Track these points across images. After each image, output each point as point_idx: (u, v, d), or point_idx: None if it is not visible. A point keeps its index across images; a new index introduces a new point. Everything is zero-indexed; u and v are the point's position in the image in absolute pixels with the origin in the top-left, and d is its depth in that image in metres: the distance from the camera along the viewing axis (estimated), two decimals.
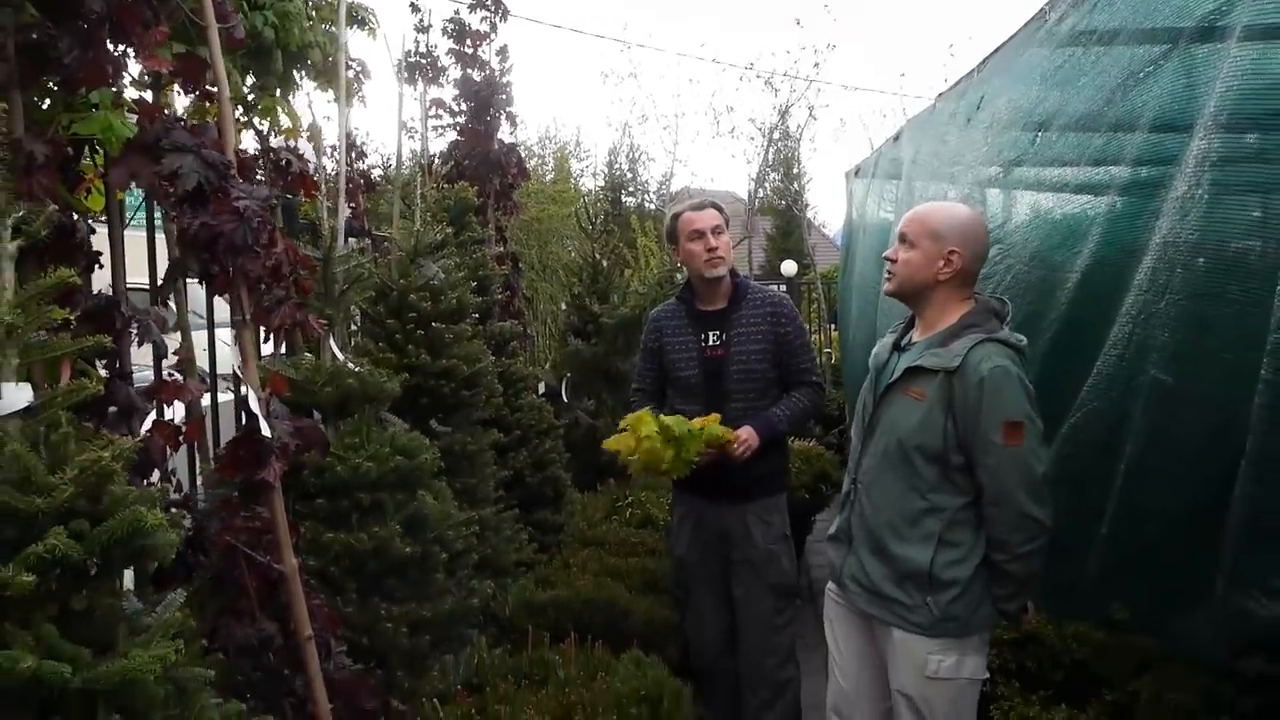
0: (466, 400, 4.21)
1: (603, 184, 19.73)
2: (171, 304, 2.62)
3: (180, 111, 2.78)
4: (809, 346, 3.82)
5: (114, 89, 2.25)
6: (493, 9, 6.04)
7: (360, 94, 4.16)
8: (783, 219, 22.61)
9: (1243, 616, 2.33)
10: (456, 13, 6.09)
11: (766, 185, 19.40)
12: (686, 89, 43.91)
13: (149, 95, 2.56)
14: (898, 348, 2.78)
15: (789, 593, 3.73)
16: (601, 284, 7.16)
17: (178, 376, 2.49)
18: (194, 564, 2.30)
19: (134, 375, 2.44)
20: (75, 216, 2.17)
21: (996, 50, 4.01)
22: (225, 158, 2.22)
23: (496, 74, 6.15)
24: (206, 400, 2.88)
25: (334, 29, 3.96)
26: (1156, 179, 2.70)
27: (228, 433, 3.27)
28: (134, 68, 2.43)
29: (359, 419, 3.22)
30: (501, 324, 5.29)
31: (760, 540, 3.62)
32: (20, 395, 1.66)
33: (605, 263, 7.34)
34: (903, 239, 2.68)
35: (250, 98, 3.82)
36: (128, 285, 2.46)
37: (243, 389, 2.39)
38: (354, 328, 4.26)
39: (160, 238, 2.81)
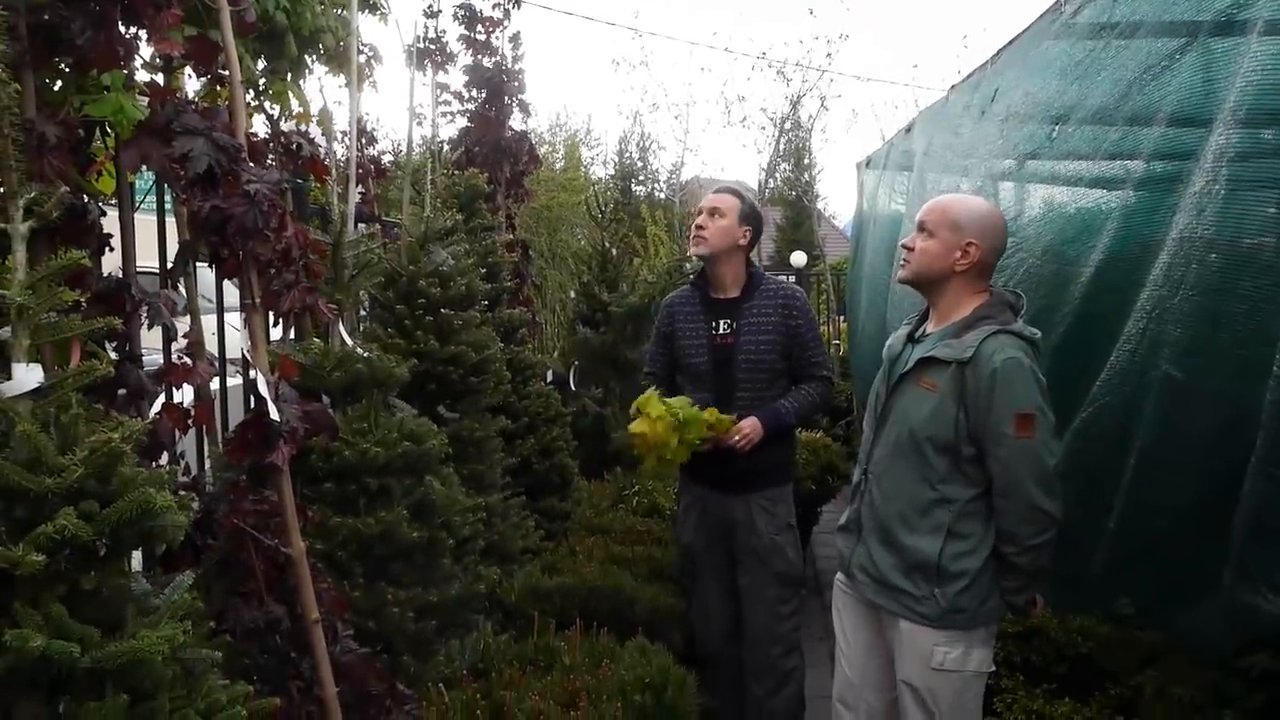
0: (475, 387, 4.22)
1: (613, 172, 19.71)
2: (180, 288, 2.62)
3: (190, 95, 2.78)
4: (820, 340, 3.81)
5: (125, 71, 2.24)
6: None
7: (371, 79, 4.16)
8: (793, 210, 22.59)
9: (1249, 612, 2.33)
10: None
11: (777, 175, 19.34)
12: (698, 77, 43.81)
13: (159, 78, 2.56)
14: (912, 339, 2.78)
15: (794, 582, 3.73)
16: (611, 272, 7.15)
17: (187, 360, 2.49)
18: (202, 546, 2.31)
19: (143, 359, 2.44)
20: (86, 199, 2.17)
21: (1010, 43, 3.99)
22: (237, 141, 2.21)
23: (509, 61, 6.13)
24: (215, 384, 2.89)
25: (345, 13, 3.96)
26: (1173, 174, 2.68)
27: (235, 417, 3.28)
28: (145, 50, 2.43)
29: (367, 404, 3.23)
30: (510, 311, 5.29)
31: (765, 530, 3.62)
32: (31, 376, 1.67)
33: (614, 251, 7.33)
34: (921, 227, 2.67)
35: (261, 82, 3.82)
36: (136, 269, 2.46)
37: (251, 372, 2.39)
38: (362, 313, 4.26)
39: (170, 221, 2.82)
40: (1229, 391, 2.39)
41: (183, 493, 2.21)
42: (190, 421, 2.51)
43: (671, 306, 3.88)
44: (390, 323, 4.04)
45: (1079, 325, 3.05)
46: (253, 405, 2.36)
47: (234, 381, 3.49)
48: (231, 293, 3.20)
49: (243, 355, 2.74)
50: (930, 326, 2.74)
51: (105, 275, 2.23)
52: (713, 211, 3.66)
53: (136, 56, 2.33)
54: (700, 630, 3.88)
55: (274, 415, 2.25)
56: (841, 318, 13.07)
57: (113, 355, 2.29)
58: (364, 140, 3.97)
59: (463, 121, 6.21)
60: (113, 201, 2.47)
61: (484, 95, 6.11)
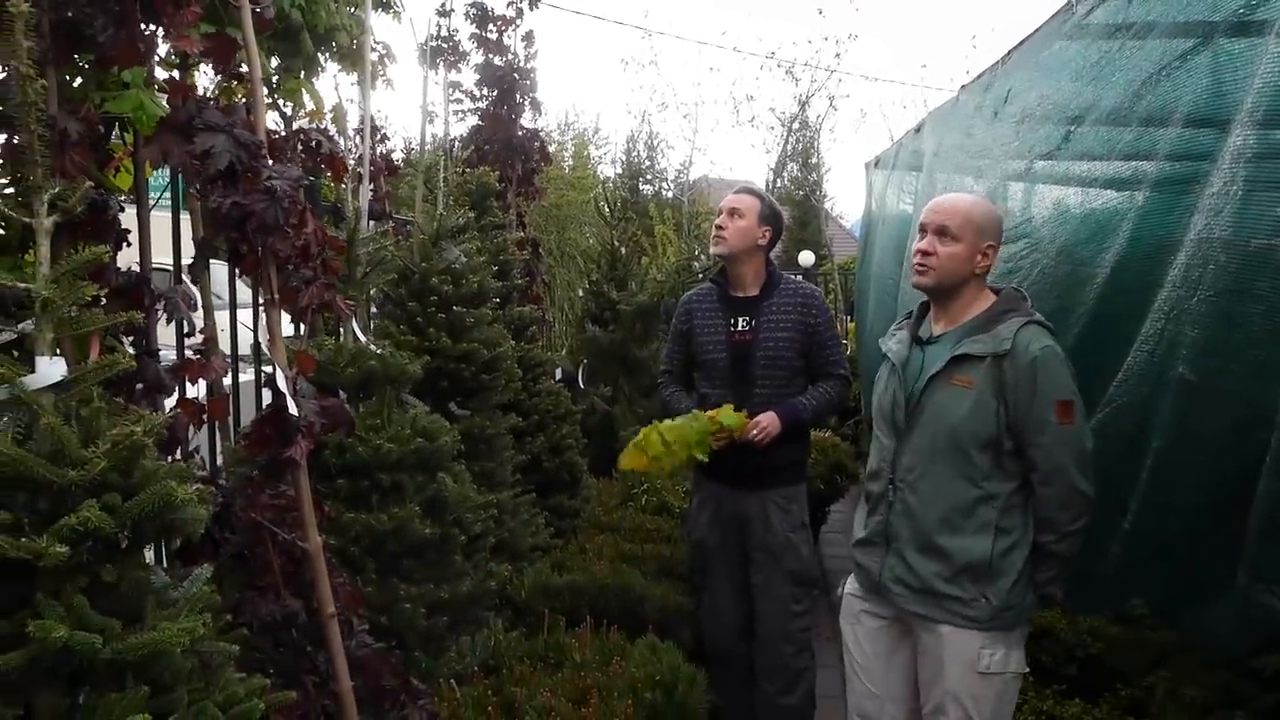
0: (486, 384, 4.23)
1: (621, 171, 19.71)
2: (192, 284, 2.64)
3: (203, 91, 2.79)
4: (838, 340, 3.83)
5: (145, 68, 2.26)
6: None
7: (385, 77, 4.17)
8: (800, 209, 22.54)
9: (1262, 612, 2.33)
10: None
11: (785, 175, 19.34)
12: (707, 77, 43.97)
13: (176, 74, 2.57)
14: (919, 341, 2.75)
15: (807, 581, 3.74)
16: (619, 271, 7.16)
17: (201, 356, 2.50)
18: (220, 540, 2.32)
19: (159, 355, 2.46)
20: (106, 194, 2.18)
21: (1021, 43, 3.98)
22: (258, 138, 2.22)
23: (521, 59, 6.15)
24: (227, 380, 2.90)
25: (359, 12, 3.97)
26: (1189, 175, 2.68)
27: (246, 412, 3.29)
28: (161, 47, 2.44)
29: (380, 400, 3.24)
30: (521, 309, 5.30)
31: (780, 527, 3.63)
32: (54, 369, 1.68)
33: (623, 250, 7.34)
34: (943, 231, 2.62)
35: (275, 79, 3.84)
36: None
37: (268, 367, 2.40)
38: (373, 310, 4.28)
39: (184, 217, 2.83)
40: (1244, 392, 2.39)
41: (201, 487, 2.22)
42: (205, 416, 2.53)
43: (690, 304, 3.89)
44: (403, 319, 4.05)
45: (1094, 326, 3.04)
46: (270, 399, 2.37)
47: (244, 377, 3.51)
48: (241, 290, 3.22)
49: (254, 350, 2.76)
50: (939, 328, 2.71)
51: (125, 270, 2.25)
52: (732, 212, 3.70)
53: (155, 53, 2.34)
54: (711, 628, 3.89)
55: (293, 409, 2.26)
56: (849, 318, 13.07)
57: (129, 350, 2.30)
58: (376, 138, 3.98)
59: (474, 119, 6.23)
60: (127, 198, 2.49)
61: (496, 94, 6.13)
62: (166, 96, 2.25)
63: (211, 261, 2.64)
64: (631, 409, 6.61)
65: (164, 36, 2.33)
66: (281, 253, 2.26)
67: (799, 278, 4.18)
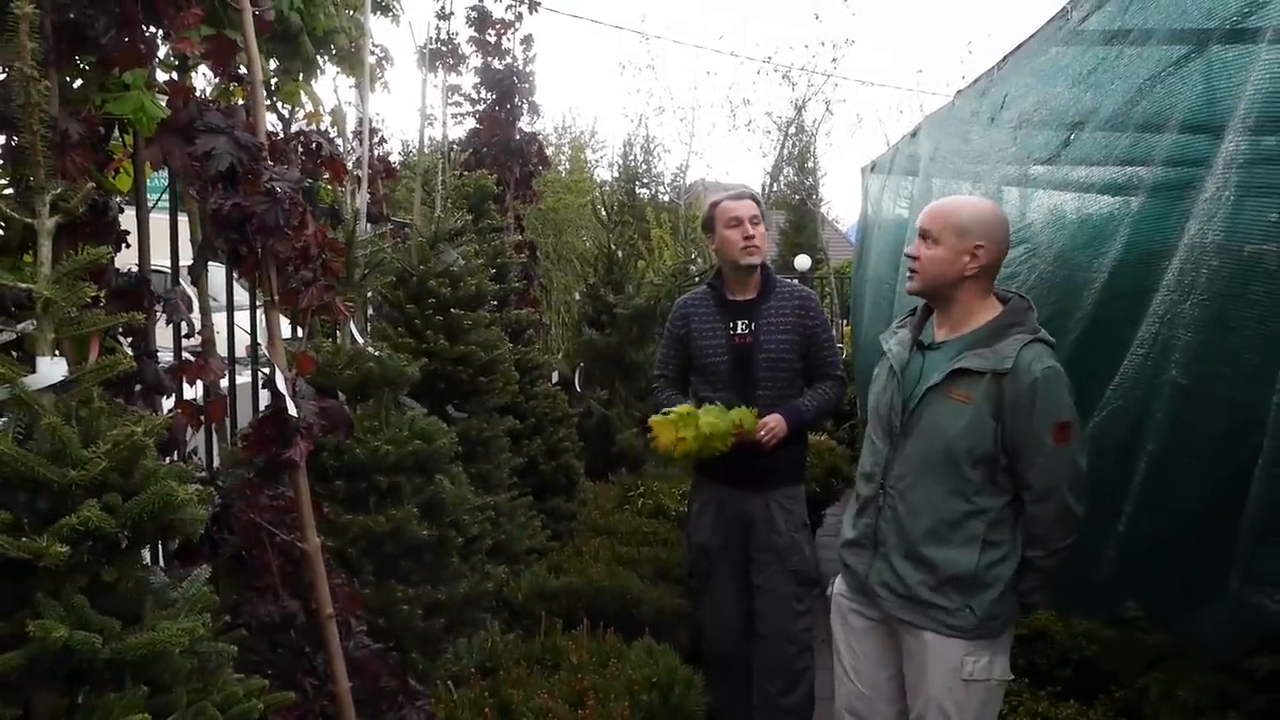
0: (483, 386, 4.24)
1: (618, 175, 19.75)
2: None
3: (202, 93, 2.80)
4: (833, 341, 3.87)
5: (146, 70, 2.27)
6: None
7: (383, 80, 4.18)
8: (796, 213, 22.60)
9: (1255, 613, 2.34)
10: (480, 1, 6.10)
11: (781, 179, 19.38)
12: (704, 81, 43.99)
13: (175, 76, 2.58)
14: (921, 346, 2.72)
15: (810, 581, 3.75)
16: (616, 274, 7.17)
17: (199, 357, 2.51)
18: (219, 541, 2.32)
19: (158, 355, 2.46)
20: (106, 195, 2.19)
21: (1017, 49, 4.00)
22: (258, 140, 2.23)
23: (520, 63, 6.16)
24: (224, 381, 2.90)
25: (359, 15, 3.98)
26: (1184, 180, 2.69)
27: (242, 414, 3.29)
28: (161, 49, 2.45)
29: (378, 402, 3.25)
30: (518, 312, 5.31)
31: (784, 527, 3.65)
32: (55, 369, 1.68)
33: (620, 253, 7.36)
34: (925, 235, 2.62)
35: (273, 81, 3.84)
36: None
37: (265, 369, 2.41)
38: (370, 312, 4.28)
39: (182, 219, 2.84)
40: (1237, 396, 2.41)
41: (201, 487, 2.23)
42: (203, 418, 2.53)
43: (685, 308, 3.90)
44: (400, 322, 4.06)
45: (1091, 330, 3.06)
46: (270, 401, 2.37)
47: (241, 379, 3.52)
48: (240, 292, 3.23)
49: (251, 352, 2.76)
50: (941, 334, 2.68)
51: (125, 272, 2.25)
52: (754, 219, 3.71)
53: (156, 55, 2.35)
54: (712, 629, 3.89)
55: (292, 411, 2.27)
56: (845, 322, 13.10)
57: (128, 351, 2.31)
58: (375, 140, 3.99)
59: (472, 122, 6.24)
60: (127, 199, 2.50)
61: (494, 97, 6.14)
62: (167, 98, 2.26)
63: (209, 263, 2.65)
64: (628, 412, 6.62)
65: (164, 38, 2.34)
66: (282, 254, 2.28)
67: (794, 282, 4.20)
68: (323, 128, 3.43)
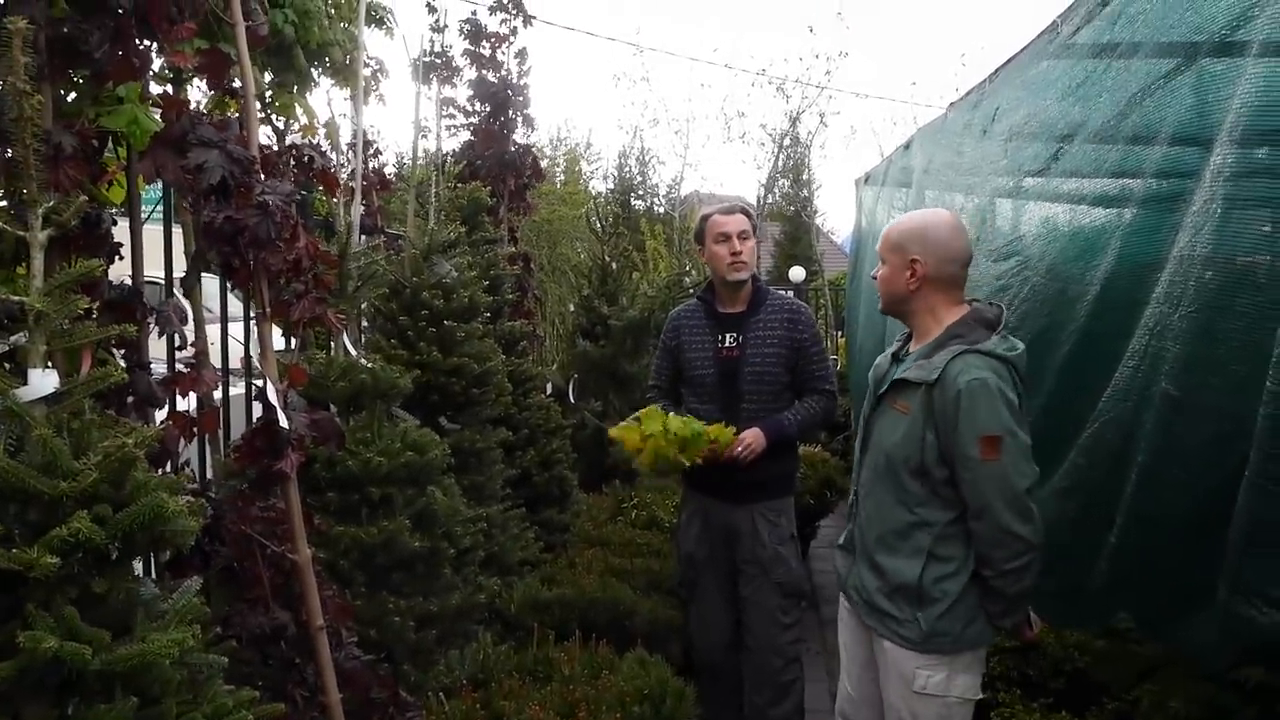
0: (476, 398, 4.24)
1: (612, 187, 19.77)
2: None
3: (195, 105, 2.82)
4: (824, 355, 3.86)
5: (140, 83, 2.28)
6: (513, 12, 6.09)
7: (378, 92, 4.20)
8: (791, 225, 22.66)
9: (1244, 624, 2.34)
10: (474, 14, 6.14)
11: (776, 191, 19.42)
12: (698, 93, 43.95)
13: (169, 89, 2.60)
14: (897, 358, 2.77)
15: (796, 593, 3.75)
16: (610, 286, 7.19)
17: (192, 369, 2.51)
18: (210, 552, 2.33)
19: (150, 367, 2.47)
20: (99, 208, 2.20)
21: (1007, 62, 4.02)
22: (250, 153, 2.25)
23: (514, 75, 6.19)
24: (217, 393, 2.91)
25: (353, 27, 4.00)
26: (1174, 192, 2.70)
27: (236, 426, 3.30)
28: (155, 62, 2.46)
29: (370, 414, 3.25)
30: (512, 323, 5.32)
31: (768, 540, 3.65)
32: (47, 381, 1.69)
33: (614, 265, 7.37)
34: (879, 257, 2.74)
35: (267, 94, 3.86)
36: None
37: (257, 381, 2.41)
38: (364, 324, 4.29)
39: (176, 231, 2.85)
40: (1225, 407, 2.41)
41: (192, 499, 2.23)
42: (195, 429, 2.54)
43: (677, 320, 3.92)
44: (393, 334, 4.07)
45: (1083, 343, 3.06)
46: (261, 413, 2.38)
47: (234, 391, 3.52)
48: (232, 304, 3.24)
49: (245, 364, 2.77)
50: (912, 346, 2.73)
51: (118, 284, 2.26)
52: (742, 234, 3.72)
53: (150, 68, 2.36)
54: (700, 640, 3.90)
55: (283, 423, 2.28)
56: (839, 333, 13.12)
57: (120, 362, 2.32)
58: (369, 153, 4.01)
59: (467, 135, 6.27)
60: (120, 211, 2.51)
61: (489, 109, 6.16)
62: (160, 111, 2.27)
63: (203, 275, 2.65)
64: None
65: (159, 52, 2.35)
66: (273, 267, 2.29)
67: (789, 293, 4.21)
68: (317, 140, 3.45)
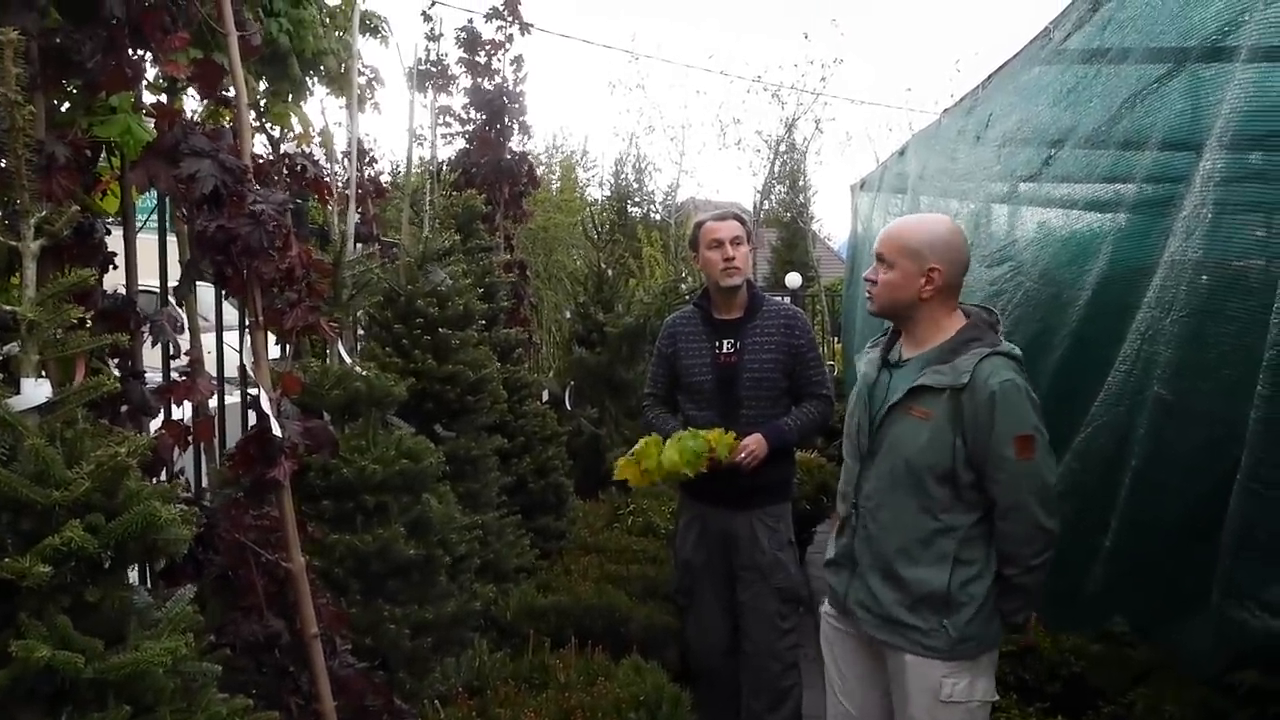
0: (471, 406, 4.25)
1: (609, 194, 19.79)
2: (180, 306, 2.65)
3: (190, 115, 2.82)
4: (820, 360, 3.87)
5: (133, 93, 2.29)
6: (509, 20, 6.10)
7: (373, 100, 4.21)
8: (788, 231, 22.67)
9: (1237, 627, 2.34)
10: (469, 21, 6.15)
11: (772, 197, 19.45)
12: (694, 100, 44.12)
13: (163, 98, 2.60)
14: (888, 364, 2.72)
15: (794, 599, 3.75)
16: (606, 293, 7.19)
17: (187, 377, 2.52)
18: (203, 561, 2.33)
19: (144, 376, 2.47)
20: (92, 218, 2.20)
21: (1001, 68, 4.04)
22: (242, 163, 2.25)
23: (510, 83, 6.20)
24: (212, 402, 2.91)
25: (347, 36, 4.01)
26: (1165, 197, 2.71)
27: (232, 434, 3.30)
28: (149, 72, 2.47)
29: (365, 422, 3.25)
30: (507, 331, 5.32)
31: (767, 545, 3.65)
32: (39, 391, 1.69)
33: (610, 272, 7.37)
34: (880, 259, 2.63)
35: (262, 103, 3.86)
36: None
37: (252, 389, 2.42)
38: (360, 332, 4.30)
39: (171, 239, 2.85)
40: (1217, 411, 2.41)
41: (185, 507, 2.24)
42: (190, 438, 2.54)
43: (673, 327, 3.92)
44: (388, 341, 4.08)
45: (1076, 347, 3.07)
46: (255, 421, 2.38)
47: (230, 400, 3.53)
48: (228, 312, 3.24)
49: (240, 372, 2.78)
50: (906, 352, 2.68)
51: (110, 293, 2.27)
52: (735, 240, 3.72)
53: (143, 78, 2.37)
54: (698, 646, 3.90)
55: (276, 431, 2.28)
56: (836, 339, 13.13)
57: (115, 372, 2.32)
58: (364, 161, 4.02)
59: (462, 142, 6.28)
60: (114, 220, 2.51)
61: (484, 117, 6.18)
62: (154, 121, 2.27)
63: (199, 283, 2.66)
64: (618, 430, 6.62)
65: (152, 61, 2.36)
66: (266, 275, 2.29)
67: (786, 300, 4.21)
68: (313, 148, 3.45)
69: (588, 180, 20.57)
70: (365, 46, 4.67)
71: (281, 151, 3.05)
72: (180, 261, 2.85)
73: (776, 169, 17.93)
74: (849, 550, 2.71)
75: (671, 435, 3.54)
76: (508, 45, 6.20)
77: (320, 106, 4.97)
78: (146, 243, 2.85)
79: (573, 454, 5.85)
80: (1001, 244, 3.86)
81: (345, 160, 3.54)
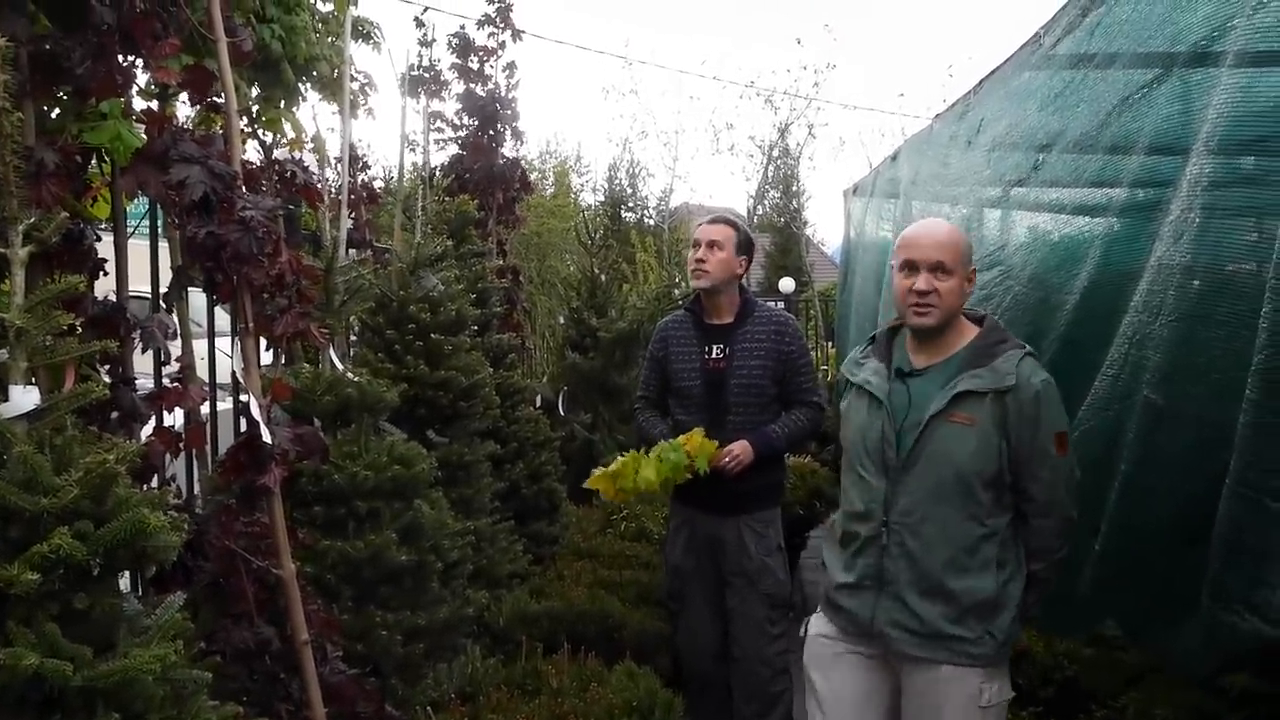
0: (464, 411, 4.25)
1: (602, 199, 19.82)
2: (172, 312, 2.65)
3: (183, 120, 2.82)
4: (811, 367, 3.87)
5: (123, 100, 2.29)
6: (501, 26, 6.12)
7: (366, 106, 4.21)
8: (781, 236, 22.71)
9: (1227, 630, 2.35)
10: (462, 28, 6.17)
11: (766, 202, 19.49)
12: (687, 106, 44.12)
13: (155, 105, 2.60)
14: (902, 375, 2.60)
15: (783, 604, 3.75)
16: (600, 298, 7.19)
17: (178, 384, 2.52)
18: (193, 568, 2.33)
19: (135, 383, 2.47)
20: (82, 224, 2.20)
21: (992, 73, 4.05)
22: (232, 169, 2.25)
23: (503, 89, 6.22)
24: (205, 408, 2.91)
25: (340, 42, 4.01)
26: (1153, 201, 2.72)
27: (225, 440, 3.30)
28: (140, 78, 2.47)
29: (357, 428, 3.25)
30: (500, 336, 5.32)
31: (755, 551, 3.65)
32: (28, 398, 1.69)
33: (604, 277, 7.38)
34: (939, 267, 2.49)
35: (255, 109, 3.86)
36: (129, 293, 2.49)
37: (243, 395, 2.42)
38: (353, 338, 4.30)
39: (163, 246, 2.85)
40: (1206, 415, 2.42)
41: (175, 514, 2.23)
42: (182, 445, 2.54)
43: (664, 331, 3.92)
44: (380, 347, 4.07)
45: (1065, 351, 3.08)
46: (245, 428, 2.38)
47: (223, 406, 3.52)
48: (222, 317, 3.24)
49: (233, 378, 2.78)
50: (920, 360, 2.59)
51: (100, 299, 2.26)
52: (711, 244, 3.71)
53: (133, 84, 2.37)
54: (688, 651, 3.89)
55: (266, 437, 2.28)
56: (830, 344, 13.15)
57: (105, 378, 2.32)
58: (357, 167, 4.02)
59: (454, 148, 6.29)
60: (105, 226, 2.51)
61: (477, 122, 6.19)
62: (144, 127, 2.28)
63: (191, 289, 2.66)
64: (611, 435, 6.63)
65: (143, 68, 2.36)
66: (256, 281, 2.29)
67: (779, 305, 4.22)
68: (305, 154, 3.45)
69: (581, 185, 20.62)
70: (358, 52, 4.68)
71: (272, 158, 3.05)
72: (172, 268, 2.85)
73: (770, 174, 17.98)
74: (875, 571, 2.57)
75: (655, 445, 3.52)
76: (500, 51, 6.22)
77: (313, 112, 4.98)
78: (139, 249, 2.85)
79: (566, 459, 5.85)
80: (991, 248, 3.86)
81: (338, 166, 3.54)
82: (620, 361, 6.84)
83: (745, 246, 3.79)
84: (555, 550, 5.14)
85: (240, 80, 3.25)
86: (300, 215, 3.85)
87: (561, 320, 8.45)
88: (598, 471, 3.56)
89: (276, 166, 2.85)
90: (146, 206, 2.86)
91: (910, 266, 2.54)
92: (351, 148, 3.60)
